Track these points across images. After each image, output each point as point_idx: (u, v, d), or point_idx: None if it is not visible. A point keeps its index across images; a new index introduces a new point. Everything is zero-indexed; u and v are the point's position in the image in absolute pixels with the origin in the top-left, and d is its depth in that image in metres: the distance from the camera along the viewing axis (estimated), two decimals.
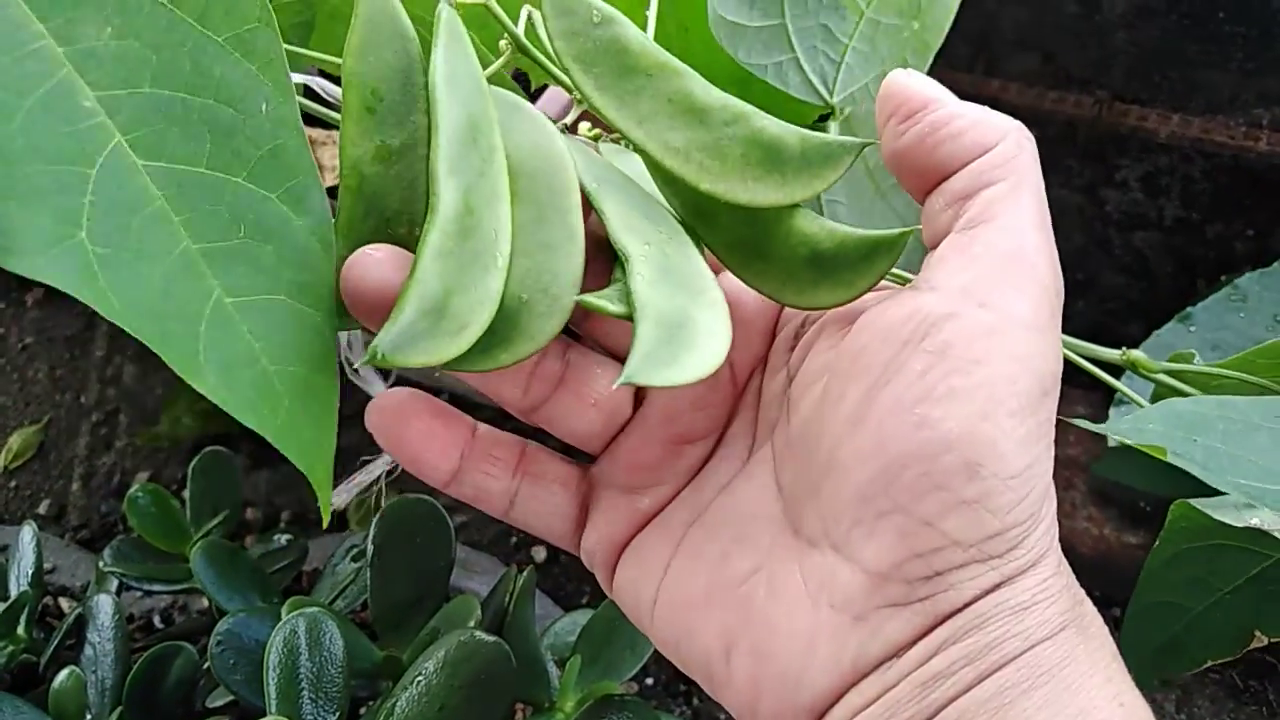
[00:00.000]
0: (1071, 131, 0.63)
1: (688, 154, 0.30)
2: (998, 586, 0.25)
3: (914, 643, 0.25)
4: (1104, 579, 0.87)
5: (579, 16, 0.30)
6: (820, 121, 0.55)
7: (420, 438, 0.30)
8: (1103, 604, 0.90)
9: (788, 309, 0.32)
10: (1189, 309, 0.66)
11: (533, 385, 0.31)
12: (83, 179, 0.26)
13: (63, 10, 0.26)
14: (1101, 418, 0.67)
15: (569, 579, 0.89)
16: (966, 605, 0.25)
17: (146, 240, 0.26)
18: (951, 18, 0.46)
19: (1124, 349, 0.52)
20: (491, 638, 0.44)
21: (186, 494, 0.68)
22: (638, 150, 0.31)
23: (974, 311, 0.25)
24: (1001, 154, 0.27)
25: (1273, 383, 0.52)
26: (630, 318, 0.27)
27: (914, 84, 0.28)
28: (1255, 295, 0.65)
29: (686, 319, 0.28)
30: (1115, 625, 0.89)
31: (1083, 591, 0.27)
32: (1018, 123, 0.28)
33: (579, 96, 0.31)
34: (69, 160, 0.26)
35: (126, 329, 0.26)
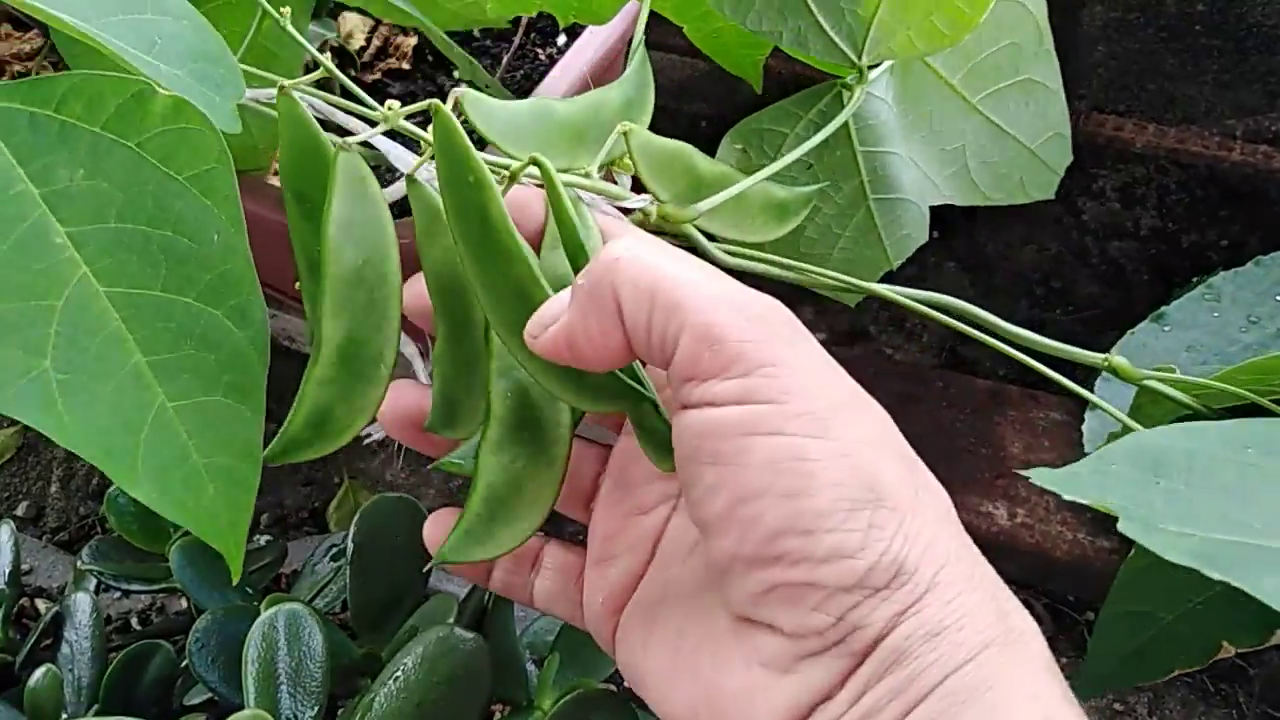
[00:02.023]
0: None
1: None
2: (901, 616, 0.26)
3: (842, 684, 0.26)
4: (1078, 584, 0.88)
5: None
6: (844, 81, 0.53)
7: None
8: (1076, 608, 0.91)
9: None
10: (1164, 309, 0.66)
11: None
12: (50, 311, 0.29)
13: (41, 156, 0.30)
14: (1078, 421, 0.67)
15: None
16: (878, 640, 0.26)
17: (102, 359, 0.30)
18: None
19: (1106, 355, 0.52)
20: (470, 634, 0.44)
21: None
22: None
23: (717, 414, 0.27)
24: (627, 299, 0.28)
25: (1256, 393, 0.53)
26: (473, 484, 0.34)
27: (546, 341, 0.31)
28: (1229, 295, 0.66)
29: (516, 488, 0.35)
30: (1089, 629, 0.91)
31: (1014, 603, 0.28)
32: (608, 253, 0.29)
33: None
34: (39, 295, 0.29)
35: (76, 451, 0.29)
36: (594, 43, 0.64)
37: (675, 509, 0.35)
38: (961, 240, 0.66)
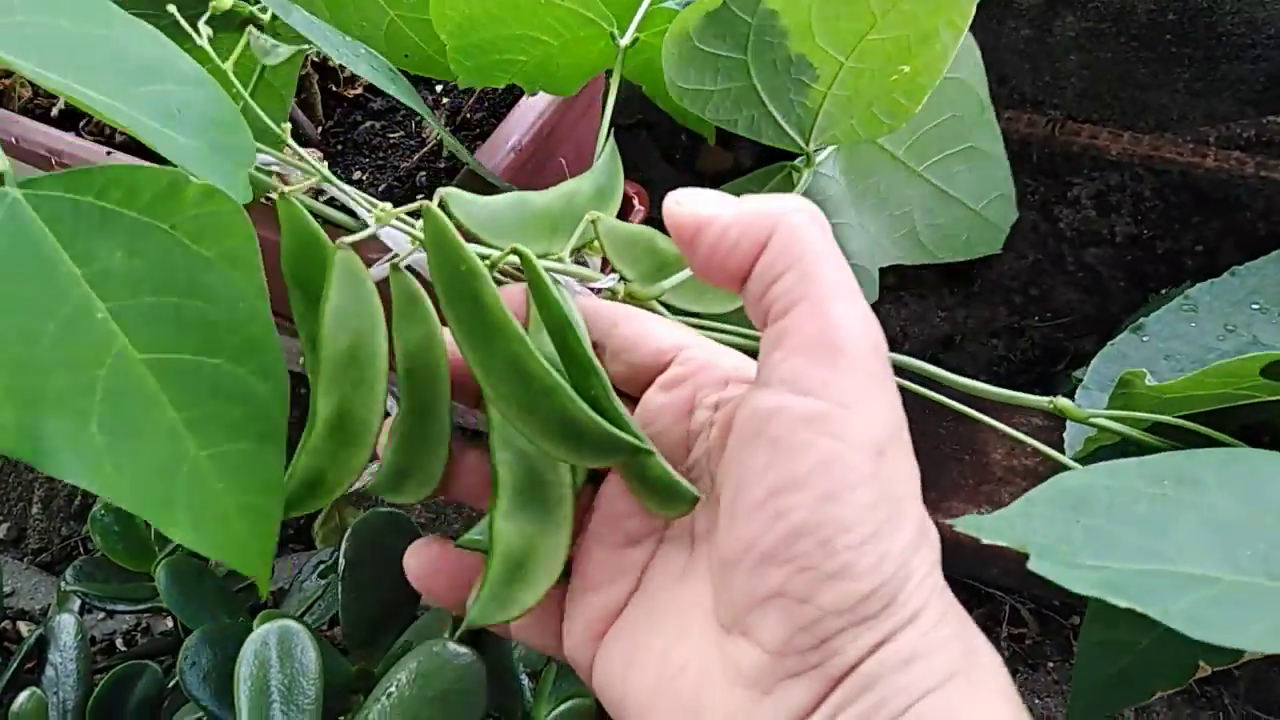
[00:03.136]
0: (1026, 150, 0.65)
1: None
2: (880, 645, 0.26)
3: (815, 708, 0.27)
4: (1063, 588, 0.89)
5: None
6: (794, 164, 0.57)
7: (444, 587, 0.38)
8: (1062, 612, 0.92)
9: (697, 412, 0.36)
10: (1141, 319, 0.67)
11: None
12: (95, 380, 0.33)
13: (84, 239, 0.33)
14: (1059, 426, 0.68)
15: None
16: (854, 667, 0.27)
17: (141, 419, 0.33)
18: (949, 59, 0.47)
19: (1053, 398, 0.53)
20: (464, 649, 0.44)
21: None
22: None
23: (795, 401, 0.28)
24: (778, 244, 0.29)
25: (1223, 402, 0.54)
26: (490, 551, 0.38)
27: (684, 212, 0.32)
28: (1206, 305, 0.67)
29: (530, 551, 0.38)
30: (1074, 633, 0.91)
31: (980, 639, 0.29)
32: (790, 202, 0.30)
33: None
34: (85, 367, 0.33)
35: (126, 507, 0.33)
36: (534, 109, 0.64)
37: (663, 540, 0.35)
38: None
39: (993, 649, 0.29)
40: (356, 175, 0.68)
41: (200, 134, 0.37)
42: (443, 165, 0.67)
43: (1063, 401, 0.54)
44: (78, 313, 0.33)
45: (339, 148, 0.70)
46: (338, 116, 0.72)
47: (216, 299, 0.34)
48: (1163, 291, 0.80)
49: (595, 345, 0.37)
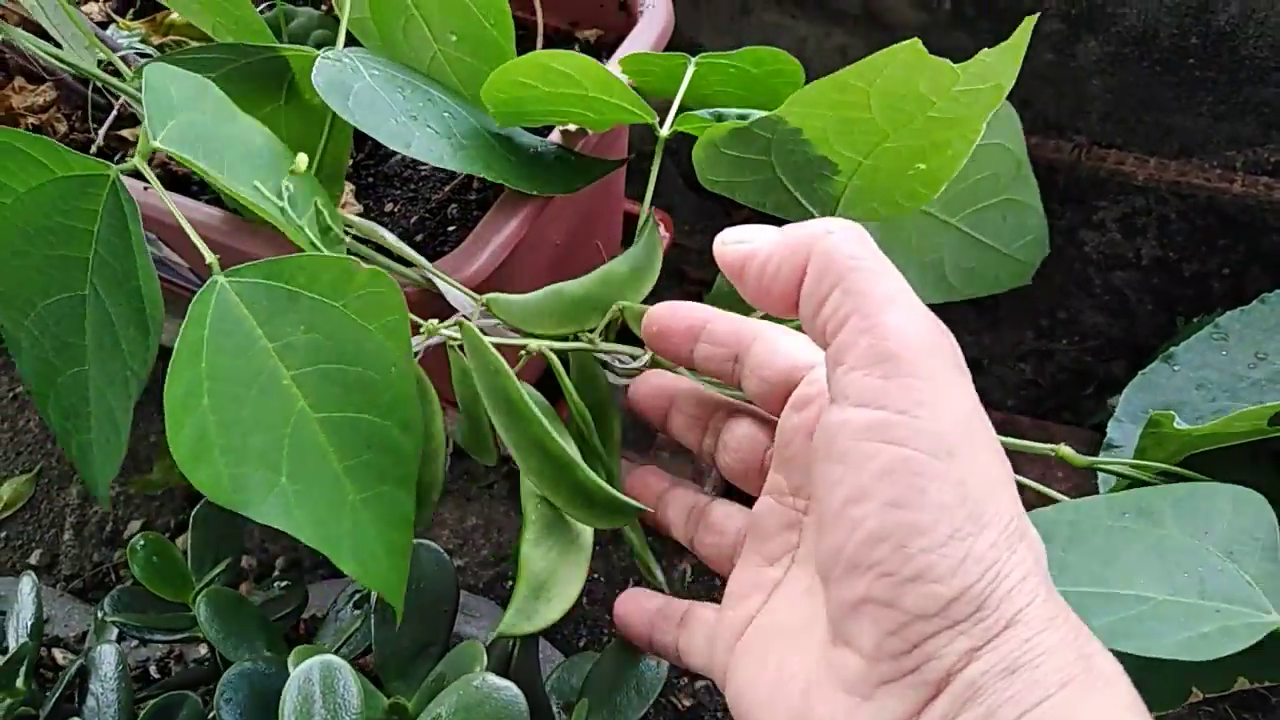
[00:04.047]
0: (1052, 176, 0.65)
1: None
2: (978, 650, 0.26)
3: (918, 716, 0.27)
4: None
5: None
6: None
7: (629, 617, 0.44)
8: None
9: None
10: (1172, 349, 0.67)
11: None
12: (283, 437, 0.39)
13: (273, 319, 0.39)
14: (1090, 451, 0.68)
15: (566, 624, 0.90)
16: (952, 674, 0.26)
17: (315, 469, 0.39)
18: (965, 159, 0.49)
19: (1055, 445, 0.55)
20: (504, 682, 0.44)
21: (184, 541, 0.68)
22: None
23: (856, 414, 0.28)
24: (818, 266, 0.30)
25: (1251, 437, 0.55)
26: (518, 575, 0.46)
27: (729, 250, 0.33)
28: (1236, 333, 0.67)
29: (552, 575, 0.47)
30: None
31: (1096, 645, 0.28)
32: (824, 224, 0.31)
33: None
34: (276, 425, 0.39)
35: (311, 544, 0.39)
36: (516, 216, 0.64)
37: (794, 560, 0.37)
38: None
39: (1111, 657, 0.28)
40: (388, 207, 0.69)
41: (311, 218, 0.45)
42: (474, 197, 0.68)
43: (1065, 450, 0.56)
44: (270, 380, 0.39)
45: (370, 180, 0.71)
46: (368, 149, 0.73)
47: (374, 364, 0.40)
48: (1193, 320, 0.79)
49: (735, 360, 0.40)
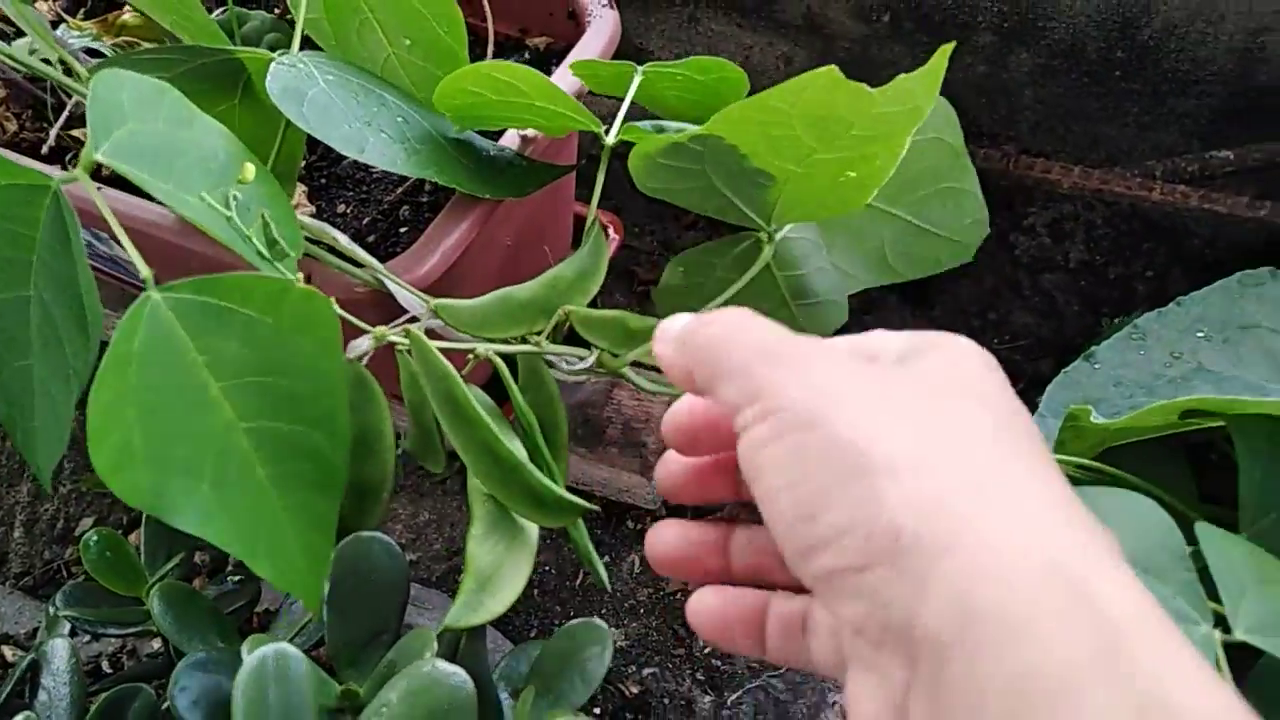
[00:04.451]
0: (982, 181, 0.68)
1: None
2: (924, 589, 0.25)
3: (907, 687, 0.26)
4: None
5: None
6: (759, 235, 0.62)
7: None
8: None
9: None
10: (1093, 348, 0.71)
11: None
12: (207, 447, 0.40)
13: (205, 334, 0.40)
14: None
15: (518, 614, 0.92)
16: (910, 625, 0.25)
17: (239, 476, 0.40)
18: (893, 169, 0.51)
19: None
20: (452, 668, 0.46)
21: (137, 537, 0.69)
22: None
23: (744, 433, 0.30)
24: (700, 367, 0.32)
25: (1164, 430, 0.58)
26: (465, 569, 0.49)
27: (656, 351, 0.34)
28: (1154, 334, 0.70)
29: (498, 570, 0.49)
30: None
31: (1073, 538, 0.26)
32: (685, 322, 0.33)
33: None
34: (201, 436, 0.40)
35: (230, 551, 0.40)
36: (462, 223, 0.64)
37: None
38: None
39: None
40: (341, 208, 0.70)
41: (259, 228, 0.46)
42: (425, 199, 0.70)
43: None
44: (199, 393, 0.40)
45: (323, 181, 0.73)
46: (321, 150, 0.74)
47: (304, 377, 0.41)
48: (1115, 320, 0.83)
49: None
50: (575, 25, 0.70)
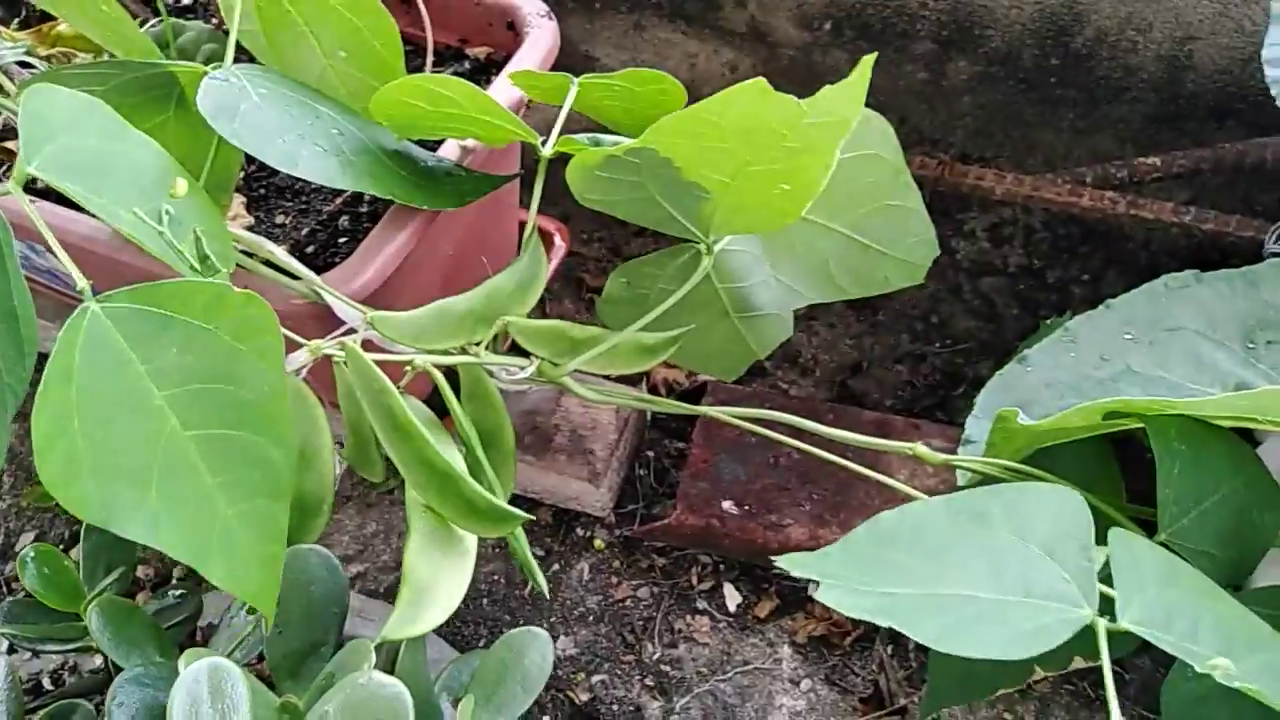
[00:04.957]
0: (922, 188, 0.70)
1: None
2: None
3: None
4: None
5: None
6: (698, 247, 0.63)
7: None
8: None
9: None
10: (1025, 351, 0.72)
11: None
12: (154, 455, 0.40)
13: (146, 342, 0.40)
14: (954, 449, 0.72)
15: (467, 624, 0.92)
16: None
17: (186, 485, 0.41)
18: (824, 182, 0.52)
19: (912, 444, 0.61)
20: (389, 679, 0.46)
21: (78, 552, 0.68)
22: None
23: None
24: None
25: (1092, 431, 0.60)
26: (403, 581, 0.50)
27: None
28: (1084, 336, 0.72)
29: (435, 581, 0.50)
30: None
31: None
32: None
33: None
34: (145, 445, 0.40)
35: (179, 558, 0.41)
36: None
37: None
38: None
39: None
40: (280, 219, 0.70)
41: (191, 242, 0.47)
42: (365, 209, 0.70)
43: (921, 449, 0.61)
44: (142, 402, 0.40)
45: (262, 191, 0.72)
46: (260, 161, 0.74)
47: (247, 384, 0.42)
48: (1047, 321, 0.85)
49: None
50: (514, 35, 0.70)
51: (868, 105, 1.07)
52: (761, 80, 0.48)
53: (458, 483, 0.50)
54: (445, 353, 0.57)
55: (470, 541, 0.53)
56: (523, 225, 0.91)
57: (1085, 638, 0.43)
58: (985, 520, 0.49)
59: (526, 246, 0.59)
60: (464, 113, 0.56)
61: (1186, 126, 0.93)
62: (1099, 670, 0.87)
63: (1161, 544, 0.54)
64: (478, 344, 0.58)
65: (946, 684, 0.63)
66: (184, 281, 0.41)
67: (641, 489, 0.96)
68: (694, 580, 0.91)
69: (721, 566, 0.91)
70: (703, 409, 0.65)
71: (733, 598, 0.90)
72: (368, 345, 0.55)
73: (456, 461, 0.52)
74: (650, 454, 0.97)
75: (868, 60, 0.46)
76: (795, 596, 0.90)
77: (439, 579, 0.51)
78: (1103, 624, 0.43)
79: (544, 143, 0.57)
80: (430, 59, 0.73)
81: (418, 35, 0.72)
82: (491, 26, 0.72)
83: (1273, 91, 0.66)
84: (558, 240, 0.92)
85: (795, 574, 0.46)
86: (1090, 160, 0.95)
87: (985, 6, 0.90)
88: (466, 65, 0.74)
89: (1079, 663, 0.81)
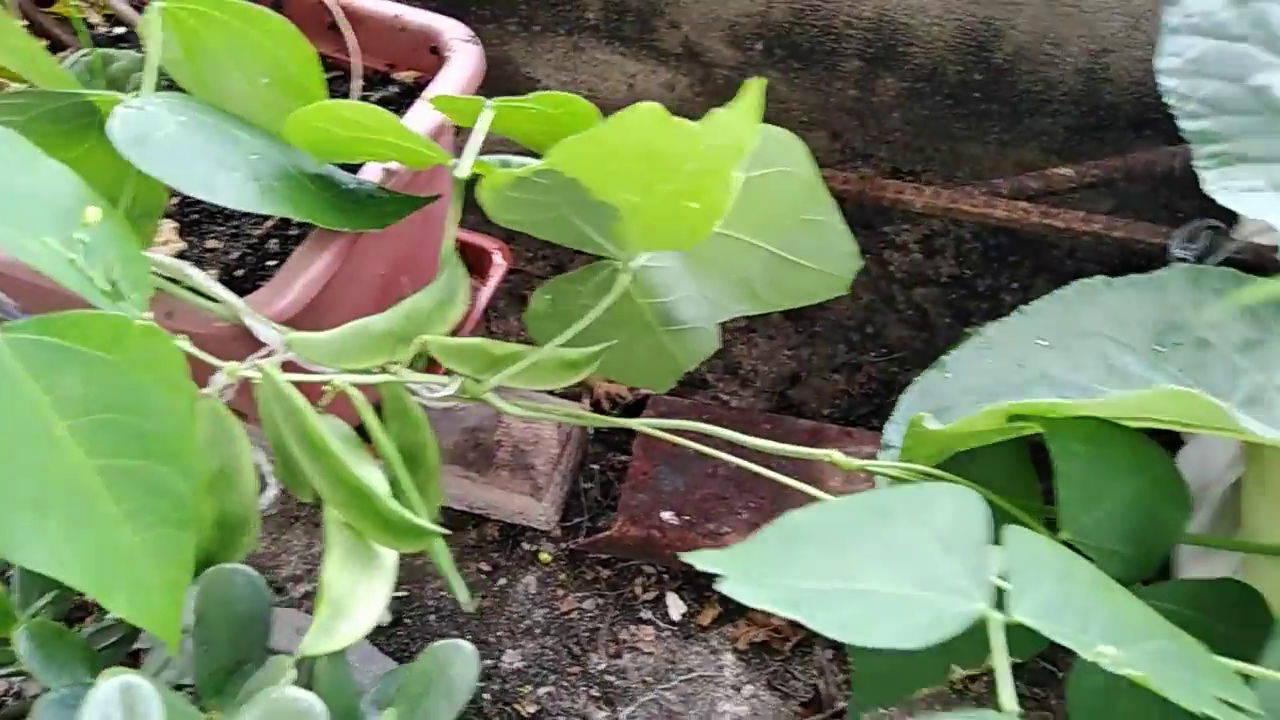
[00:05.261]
0: (843, 204, 0.71)
1: None
2: None
3: None
4: None
5: None
6: (615, 265, 0.64)
7: None
8: None
9: None
10: (943, 358, 0.74)
11: None
12: (55, 483, 0.41)
13: (48, 373, 0.41)
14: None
15: (414, 640, 0.92)
16: None
17: (88, 512, 0.41)
18: (730, 200, 0.53)
19: (830, 451, 0.62)
20: (301, 694, 0.47)
21: (12, 575, 0.68)
22: None
23: None
24: None
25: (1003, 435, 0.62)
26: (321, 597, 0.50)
27: None
28: (1000, 343, 0.74)
29: (353, 594, 0.51)
30: None
31: None
32: None
33: None
34: (46, 474, 0.40)
35: (79, 587, 0.41)
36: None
37: None
38: None
39: None
40: (210, 244, 0.71)
41: (104, 270, 0.47)
42: (294, 232, 0.71)
43: (836, 456, 0.63)
44: (43, 430, 0.40)
45: (194, 216, 0.73)
46: None
47: (152, 415, 0.42)
48: (968, 329, 0.87)
49: None
50: (438, 59, 0.71)
51: (802, 123, 1.10)
52: (656, 106, 0.49)
53: (372, 500, 0.51)
54: (367, 372, 0.58)
55: (389, 557, 0.54)
56: (461, 245, 0.92)
57: (1006, 635, 0.45)
58: (888, 517, 0.51)
59: (444, 266, 0.60)
60: (375, 136, 0.57)
61: (1108, 137, 0.95)
62: (1029, 667, 0.89)
63: (1065, 542, 0.56)
64: (398, 363, 0.59)
65: (869, 684, 0.65)
66: (83, 313, 0.42)
67: (586, 502, 0.97)
68: (638, 591, 0.92)
69: (665, 576, 0.93)
70: (634, 423, 0.67)
71: (676, 607, 0.92)
72: (292, 367, 0.56)
73: (373, 478, 0.54)
74: (595, 467, 0.99)
75: (755, 84, 0.47)
76: (738, 604, 0.91)
77: (357, 594, 0.52)
78: (995, 616, 0.45)
79: (455, 166, 0.59)
80: (359, 84, 0.74)
81: (346, 61, 0.74)
82: (416, 51, 0.74)
83: (1169, 101, 0.68)
84: (498, 258, 0.94)
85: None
86: (1016, 172, 0.98)
87: (907, 24, 0.93)
88: (394, 90, 0.75)
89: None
